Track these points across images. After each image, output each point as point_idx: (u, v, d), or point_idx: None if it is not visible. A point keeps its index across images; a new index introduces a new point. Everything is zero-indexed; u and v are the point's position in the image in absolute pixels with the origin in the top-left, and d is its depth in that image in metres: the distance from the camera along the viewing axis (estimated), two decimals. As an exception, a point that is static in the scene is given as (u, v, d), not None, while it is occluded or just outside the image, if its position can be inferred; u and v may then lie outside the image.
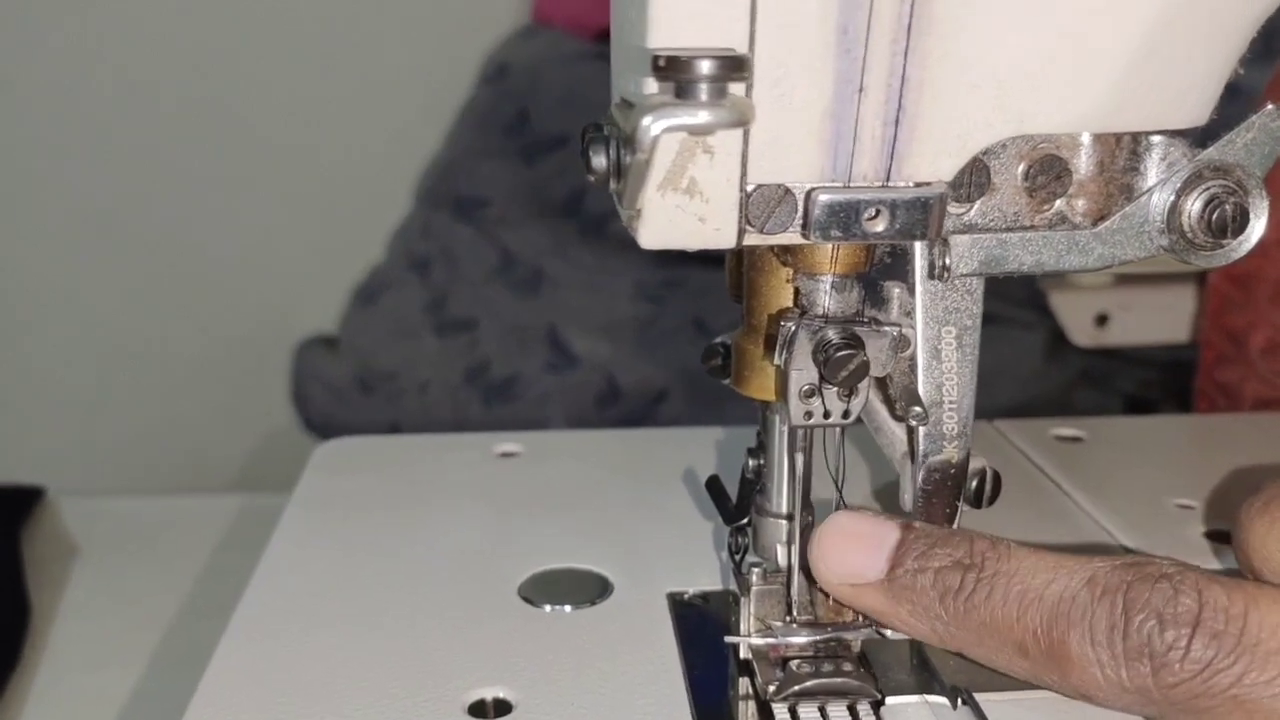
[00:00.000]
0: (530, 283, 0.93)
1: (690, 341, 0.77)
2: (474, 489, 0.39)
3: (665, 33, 0.20)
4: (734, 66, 0.19)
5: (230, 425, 1.10)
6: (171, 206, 1.07)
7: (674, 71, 0.19)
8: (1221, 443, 0.45)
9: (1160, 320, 0.65)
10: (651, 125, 0.19)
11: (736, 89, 0.19)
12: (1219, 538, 0.36)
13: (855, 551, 0.26)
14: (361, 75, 1.08)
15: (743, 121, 0.19)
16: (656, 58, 0.19)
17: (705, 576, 0.33)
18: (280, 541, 0.35)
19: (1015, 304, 0.70)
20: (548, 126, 0.93)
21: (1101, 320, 0.68)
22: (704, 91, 0.19)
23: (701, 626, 0.31)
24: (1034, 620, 0.25)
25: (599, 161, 0.23)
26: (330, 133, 1.09)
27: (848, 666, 0.27)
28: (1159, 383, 0.71)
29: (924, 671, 0.28)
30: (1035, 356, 0.72)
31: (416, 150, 1.07)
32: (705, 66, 0.19)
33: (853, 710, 0.27)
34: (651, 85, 0.20)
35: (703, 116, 0.19)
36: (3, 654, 0.48)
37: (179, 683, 0.29)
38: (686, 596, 0.32)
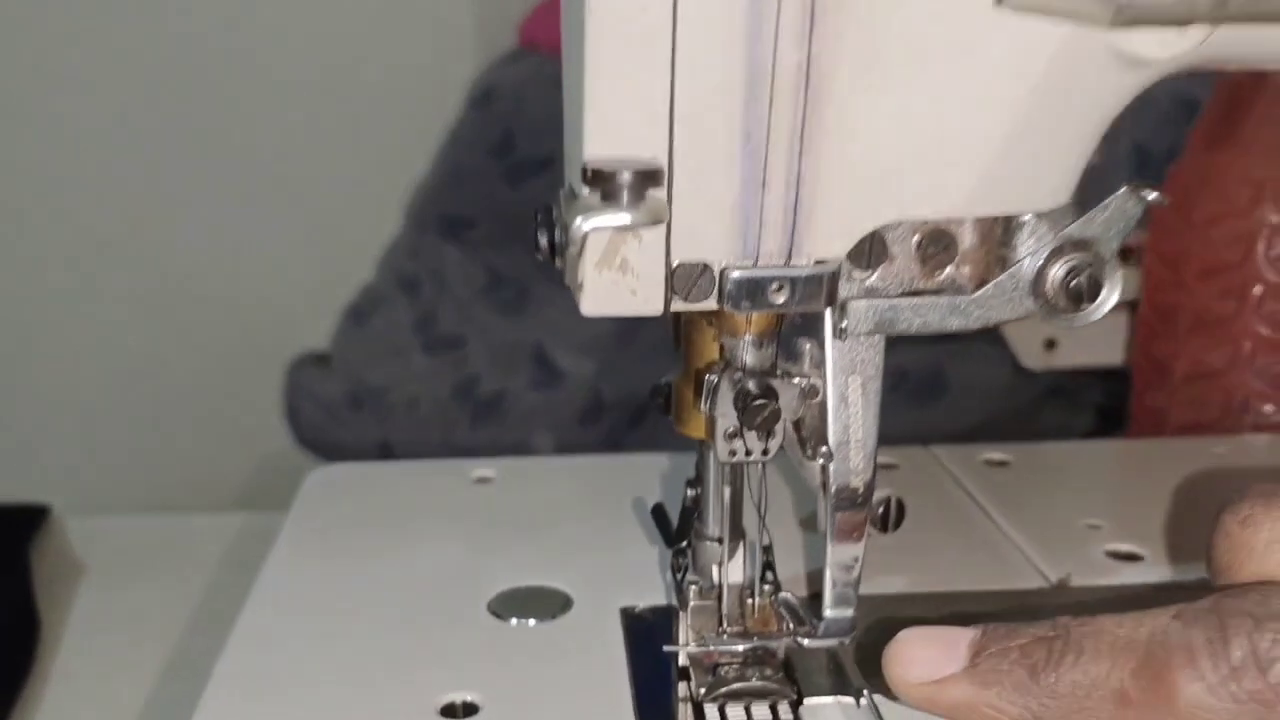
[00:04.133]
0: (516, 301, 0.96)
1: (672, 357, 0.81)
2: (451, 513, 0.43)
3: (599, 144, 0.24)
4: (650, 177, 0.23)
5: (232, 443, 1.13)
6: (171, 230, 1.10)
7: (600, 181, 0.23)
8: (1137, 466, 0.49)
9: (1102, 344, 0.69)
10: (582, 224, 0.23)
11: (655, 192, 0.24)
12: (1120, 556, 0.40)
13: (933, 649, 0.27)
14: (352, 99, 1.11)
15: (658, 220, 0.23)
16: (585, 169, 0.23)
17: (654, 593, 0.37)
18: (274, 564, 0.39)
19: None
20: (532, 149, 0.96)
21: (1050, 345, 0.72)
22: (626, 196, 0.23)
23: (649, 637, 0.35)
24: (1130, 662, 0.24)
25: (544, 242, 0.27)
26: (322, 155, 1.12)
27: (769, 671, 0.31)
28: (1127, 394, 0.75)
29: (839, 675, 0.32)
30: (1004, 372, 0.76)
31: (406, 172, 1.11)
32: (626, 177, 0.23)
33: (774, 709, 0.31)
34: (585, 188, 0.24)
35: (624, 218, 0.23)
36: (14, 669, 0.51)
37: (188, 695, 0.33)
38: (637, 610, 0.36)
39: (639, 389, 0.82)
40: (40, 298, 1.11)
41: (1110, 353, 0.67)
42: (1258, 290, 0.52)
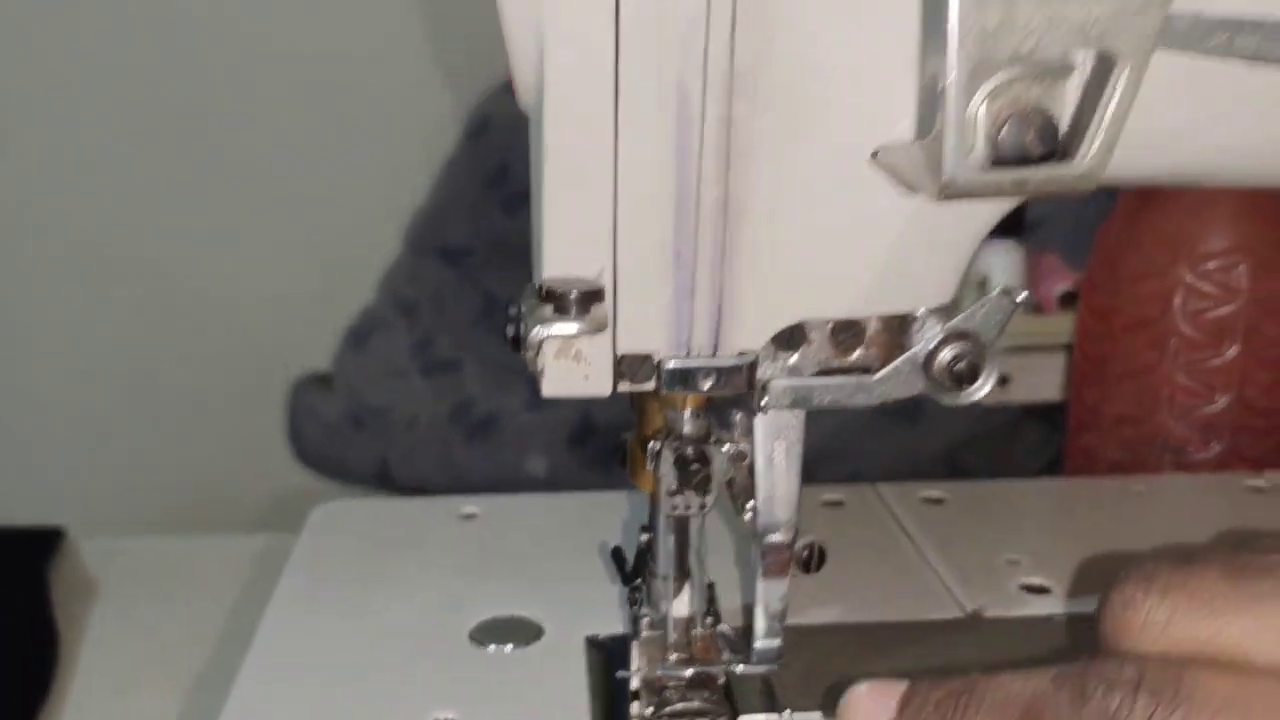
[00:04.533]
0: (511, 325, 1.00)
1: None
2: (439, 547, 0.48)
3: (555, 265, 0.30)
4: (593, 295, 0.28)
5: (244, 464, 1.17)
6: (182, 255, 1.15)
7: (553, 298, 0.28)
8: (1061, 504, 0.54)
9: (1048, 384, 0.74)
10: (537, 333, 0.28)
11: (598, 306, 0.29)
12: (1031, 589, 0.46)
13: (873, 700, 0.32)
14: (355, 128, 1.16)
15: (600, 328, 0.29)
16: (540, 287, 0.29)
17: (616, 623, 0.42)
18: (282, 596, 0.44)
19: None
20: (526, 178, 1.01)
21: (1003, 381, 0.78)
22: (574, 310, 0.28)
23: (609, 662, 0.40)
24: (1014, 715, 0.29)
25: (510, 334, 0.32)
26: (326, 182, 1.17)
27: (709, 693, 0.37)
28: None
29: (769, 696, 0.37)
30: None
31: (406, 199, 1.15)
32: (574, 294, 0.28)
33: (711, 726, 0.36)
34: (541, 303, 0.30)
35: (571, 328, 0.28)
36: (35, 687, 0.55)
37: (205, 711, 0.38)
38: (600, 639, 0.41)
39: (627, 412, 0.89)
40: (51, 322, 1.15)
41: (1054, 391, 0.73)
42: (1175, 343, 0.58)
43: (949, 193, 0.25)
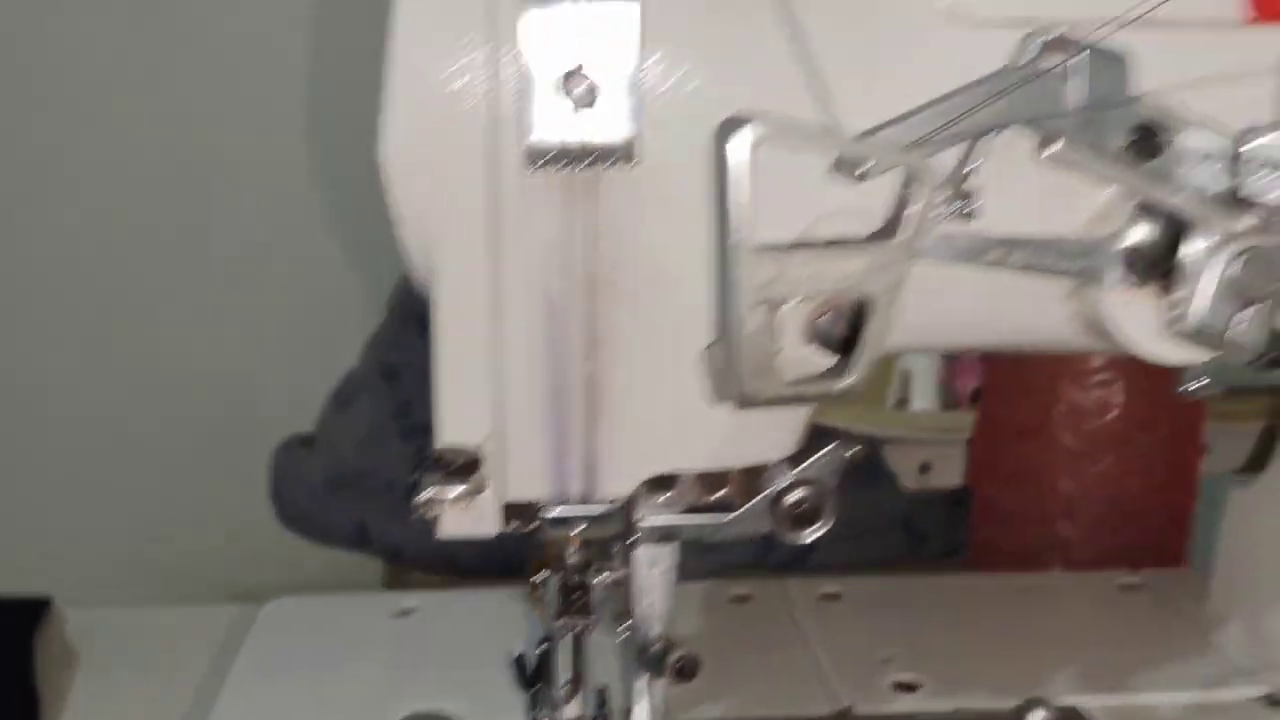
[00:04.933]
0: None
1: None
2: (375, 643, 0.54)
3: (449, 434, 0.35)
4: (474, 464, 0.34)
5: (227, 533, 1.19)
6: (167, 325, 1.18)
7: (441, 466, 0.34)
8: (946, 599, 0.59)
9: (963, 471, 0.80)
10: (425, 495, 0.34)
11: (478, 474, 0.35)
12: (902, 686, 0.51)
13: None
14: (342, 194, 1.21)
15: (479, 491, 0.34)
16: (431, 454, 0.34)
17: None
18: (230, 690, 0.49)
19: None
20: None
21: (924, 468, 0.83)
22: (458, 475, 0.34)
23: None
24: None
25: (414, 480, 0.38)
26: (317, 248, 1.21)
27: (594, 789, 0.42)
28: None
29: (651, 791, 0.43)
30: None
31: (390, 266, 1.19)
32: (458, 461, 0.34)
33: (596, 818, 0.41)
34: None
35: (455, 492, 0.34)
36: None
37: None
38: (509, 732, 0.47)
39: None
40: (39, 396, 1.19)
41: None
42: (1058, 450, 0.63)
43: (743, 404, 0.31)
